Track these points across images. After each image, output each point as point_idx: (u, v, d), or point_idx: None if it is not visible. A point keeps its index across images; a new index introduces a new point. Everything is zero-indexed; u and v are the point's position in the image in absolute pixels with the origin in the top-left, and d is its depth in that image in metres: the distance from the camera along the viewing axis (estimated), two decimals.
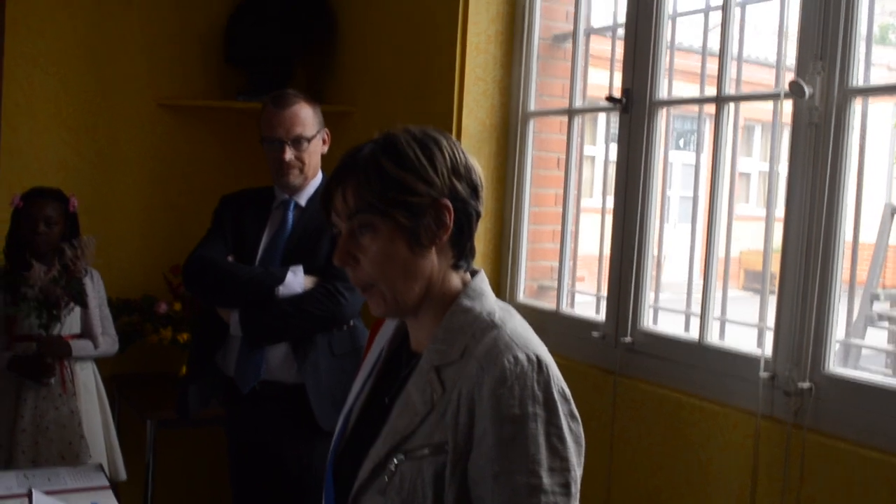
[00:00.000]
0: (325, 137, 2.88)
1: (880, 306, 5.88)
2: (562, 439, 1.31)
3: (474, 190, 1.43)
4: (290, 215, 2.86)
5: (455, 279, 1.44)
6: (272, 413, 2.79)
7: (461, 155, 1.43)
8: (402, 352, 1.52)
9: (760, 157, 11.85)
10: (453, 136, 1.48)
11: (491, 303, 1.43)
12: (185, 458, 4.11)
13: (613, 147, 2.82)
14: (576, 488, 1.32)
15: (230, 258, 2.83)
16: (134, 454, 3.68)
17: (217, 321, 2.83)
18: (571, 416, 1.34)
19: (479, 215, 1.45)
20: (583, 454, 1.35)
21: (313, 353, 2.76)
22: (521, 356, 1.32)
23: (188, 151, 4.17)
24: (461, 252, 1.43)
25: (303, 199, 2.86)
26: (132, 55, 4.04)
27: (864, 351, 2.34)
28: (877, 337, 5.28)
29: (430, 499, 1.32)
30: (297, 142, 2.77)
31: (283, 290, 2.70)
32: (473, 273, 1.47)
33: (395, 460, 1.35)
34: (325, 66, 4.13)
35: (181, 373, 3.89)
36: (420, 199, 1.37)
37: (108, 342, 3.51)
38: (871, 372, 2.49)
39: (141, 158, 4.11)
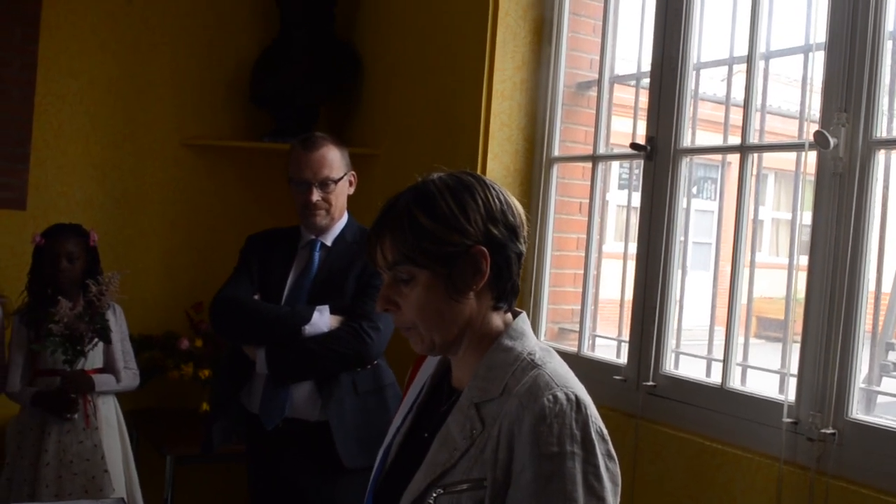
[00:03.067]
0: (352, 179, 2.93)
1: (895, 356, 5.86)
2: (598, 478, 1.33)
3: (513, 231, 1.46)
4: (317, 255, 2.90)
5: (496, 319, 1.47)
6: (295, 450, 2.81)
7: (496, 199, 1.46)
8: (443, 387, 1.55)
9: (773, 206, 11.89)
10: None
11: (532, 343, 1.46)
12: (204, 494, 4.12)
13: (625, 193, 2.85)
14: None
15: (257, 297, 2.87)
16: (152, 489, 3.69)
17: (242, 359, 2.86)
18: (608, 455, 1.36)
19: (520, 255, 1.47)
20: (618, 494, 1.37)
21: (338, 391, 2.78)
22: (561, 395, 1.35)
23: (212, 191, 4.24)
24: (501, 294, 1.47)
25: (329, 240, 2.91)
26: (160, 96, 4.14)
27: (879, 399, 2.35)
28: (891, 386, 5.26)
29: None
30: (325, 183, 2.82)
31: (309, 329, 2.73)
32: (515, 314, 1.50)
33: (434, 494, 1.37)
34: (350, 110, 4.20)
35: (202, 409, 3.92)
36: (454, 248, 1.41)
37: (130, 376, 3.53)
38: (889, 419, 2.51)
39: (165, 197, 4.18)
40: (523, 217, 1.49)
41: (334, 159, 2.85)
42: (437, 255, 1.41)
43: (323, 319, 2.76)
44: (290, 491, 2.83)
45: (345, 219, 2.94)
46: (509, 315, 1.50)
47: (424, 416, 1.54)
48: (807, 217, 2.33)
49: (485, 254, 1.42)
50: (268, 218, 3.37)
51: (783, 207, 11.87)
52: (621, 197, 5.30)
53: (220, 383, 3.00)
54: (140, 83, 4.10)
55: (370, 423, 2.82)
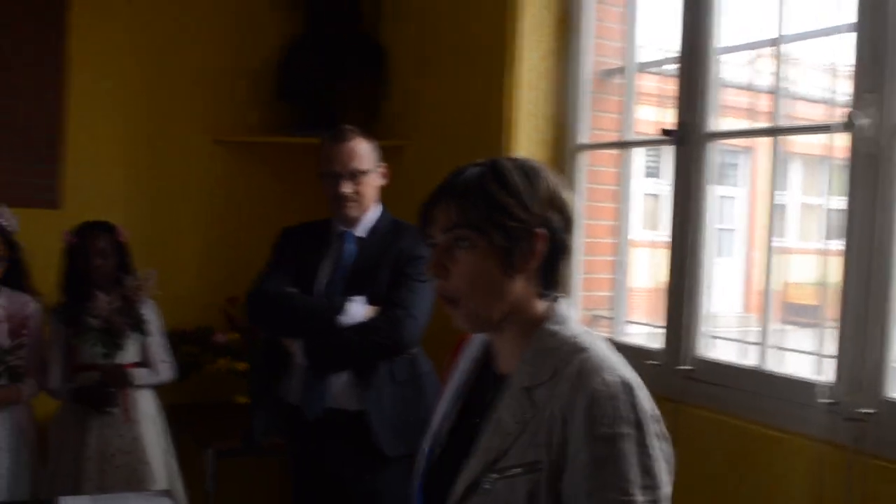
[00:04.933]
0: (384, 171, 2.97)
1: None
2: (653, 458, 1.35)
3: (567, 222, 1.49)
4: (350, 247, 2.93)
5: (541, 305, 1.50)
6: (336, 440, 2.84)
7: (559, 188, 1.49)
8: (488, 372, 1.57)
9: (801, 190, 11.82)
10: None
11: (576, 327, 1.48)
12: (245, 487, 4.16)
13: (651, 182, 2.86)
14: None
15: (292, 290, 2.91)
16: (193, 483, 3.74)
17: (280, 351, 2.90)
18: (661, 436, 1.39)
19: (568, 250, 1.50)
20: (672, 472, 1.40)
21: (376, 381, 2.82)
22: (612, 378, 1.37)
23: (244, 186, 4.29)
24: (549, 282, 1.49)
25: (361, 231, 2.94)
26: (190, 94, 4.19)
27: None
28: None
29: None
30: (354, 175, 2.86)
31: (345, 319, 2.77)
32: (557, 300, 1.53)
33: (489, 479, 1.40)
34: (377, 102, 4.23)
35: (236, 401, 3.96)
36: (519, 224, 1.43)
37: (167, 369, 3.58)
38: None
39: (198, 193, 4.24)
40: (575, 212, 1.51)
41: (363, 151, 2.89)
42: (502, 227, 1.43)
43: (359, 309, 2.80)
44: (333, 481, 2.87)
45: (377, 210, 2.97)
46: (552, 303, 1.52)
47: (472, 402, 1.57)
48: (833, 202, 2.33)
49: (544, 236, 1.45)
50: (300, 212, 3.40)
51: (807, 192, 11.78)
52: (647, 185, 5.29)
53: (259, 377, 3.04)
54: (171, 81, 4.16)
55: (408, 411, 2.85)
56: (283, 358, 2.91)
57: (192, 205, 4.23)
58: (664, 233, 2.85)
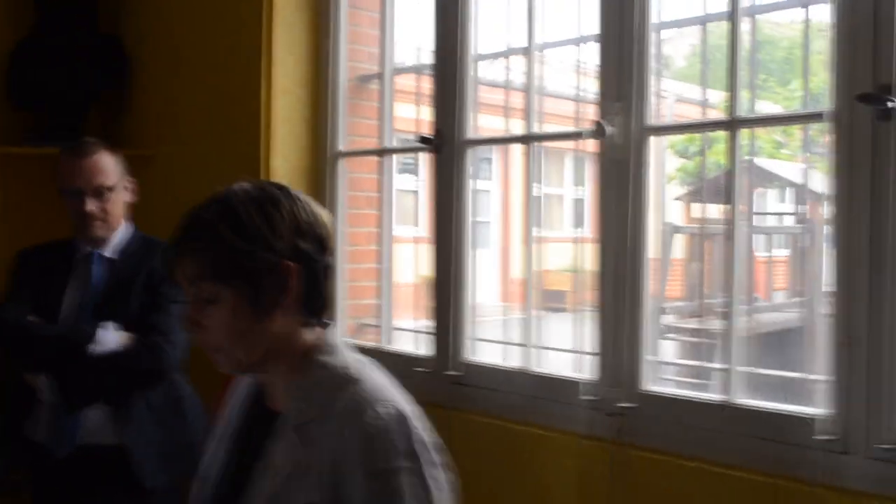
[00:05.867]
0: (129, 186, 2.78)
1: (666, 319, 6.32)
2: (426, 489, 1.34)
3: (320, 244, 1.41)
4: (96, 269, 2.73)
5: (308, 335, 1.43)
6: (90, 478, 2.63)
7: (303, 211, 1.41)
8: (260, 410, 1.49)
9: (548, 182, 12.52)
10: (280, 183, 1.48)
11: (346, 356, 1.43)
12: None
13: (408, 178, 2.89)
14: None
15: (32, 318, 2.66)
16: None
17: (22, 387, 2.65)
18: (432, 464, 1.37)
19: (329, 269, 1.44)
20: (450, 498, 1.38)
21: (134, 411, 2.64)
22: (385, 411, 1.34)
23: None
24: (311, 309, 1.42)
25: (108, 251, 2.74)
26: None
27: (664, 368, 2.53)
28: (666, 349, 5.66)
29: None
30: (99, 192, 2.67)
31: (97, 348, 2.57)
32: (325, 326, 1.47)
33: None
34: (120, 109, 3.96)
35: None
36: (260, 264, 1.36)
37: None
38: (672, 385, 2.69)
39: None
40: (331, 229, 1.45)
41: (108, 166, 2.70)
42: (242, 272, 1.35)
43: (111, 337, 2.60)
44: None
45: (125, 228, 2.78)
46: (320, 329, 1.46)
47: (244, 442, 1.48)
48: (579, 193, 2.44)
49: (292, 269, 1.37)
50: (33, 231, 3.11)
51: (554, 183, 12.48)
52: (403, 181, 5.36)
53: (1, 417, 2.76)
54: None
55: (169, 438, 2.70)
56: (28, 393, 2.65)
57: None
58: (424, 229, 2.87)
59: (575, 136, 2.47)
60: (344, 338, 1.49)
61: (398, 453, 1.32)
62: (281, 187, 1.43)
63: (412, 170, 4.12)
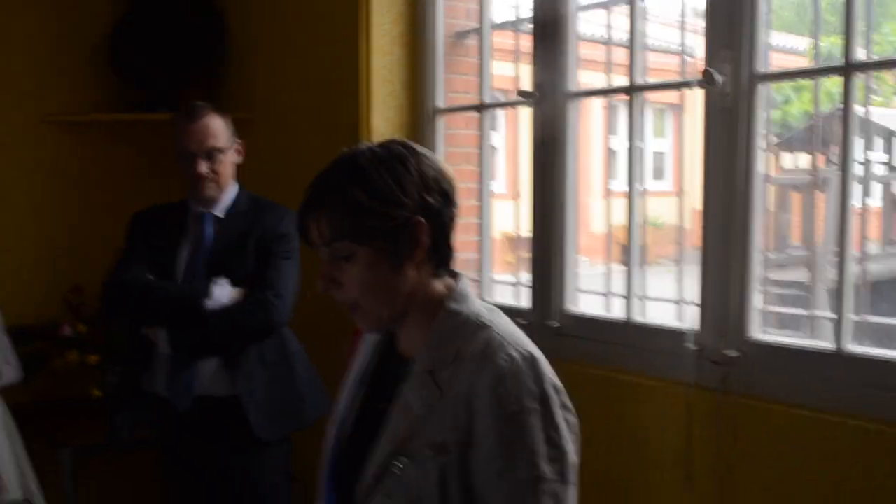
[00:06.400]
0: (240, 148, 2.86)
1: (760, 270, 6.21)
2: (558, 430, 1.37)
3: (446, 196, 1.46)
4: (209, 228, 2.82)
5: (438, 285, 1.48)
6: (208, 429, 2.75)
7: (429, 166, 1.45)
8: (390, 356, 1.54)
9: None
10: (403, 142, 1.49)
11: (476, 304, 1.47)
12: (109, 485, 3.95)
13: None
14: (573, 475, 1.39)
15: (150, 276, 2.77)
16: (50, 486, 3.54)
17: (141, 342, 2.77)
18: (564, 406, 1.41)
19: (453, 219, 1.48)
20: (578, 441, 1.42)
21: (246, 364, 2.74)
22: (515, 354, 1.38)
23: (80, 168, 4.01)
24: (441, 260, 1.47)
25: (220, 211, 2.84)
26: (14, 72, 3.86)
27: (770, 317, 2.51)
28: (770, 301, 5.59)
29: (437, 498, 1.36)
30: (211, 154, 2.75)
31: (210, 303, 2.68)
32: (455, 276, 1.51)
33: (399, 463, 1.38)
34: (220, 74, 4.05)
35: (93, 396, 3.77)
36: (394, 222, 1.40)
37: (10, 371, 3.35)
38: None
39: (30, 179, 3.94)
40: (454, 181, 1.49)
41: (218, 128, 2.78)
42: (377, 231, 1.40)
43: (223, 292, 2.71)
44: (207, 471, 2.78)
45: (234, 188, 2.87)
46: (449, 279, 1.50)
47: (376, 388, 1.54)
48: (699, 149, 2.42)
49: (424, 224, 1.42)
50: (145, 193, 3.23)
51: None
52: (498, 138, 5.37)
53: (120, 370, 2.90)
54: None
55: (280, 393, 2.81)
56: (146, 348, 2.78)
57: (21, 190, 3.93)
58: (504, 184, 2.88)
59: (683, 85, 2.45)
60: (469, 286, 1.53)
61: (528, 395, 1.35)
62: (405, 144, 1.47)
63: (494, 127, 4.12)
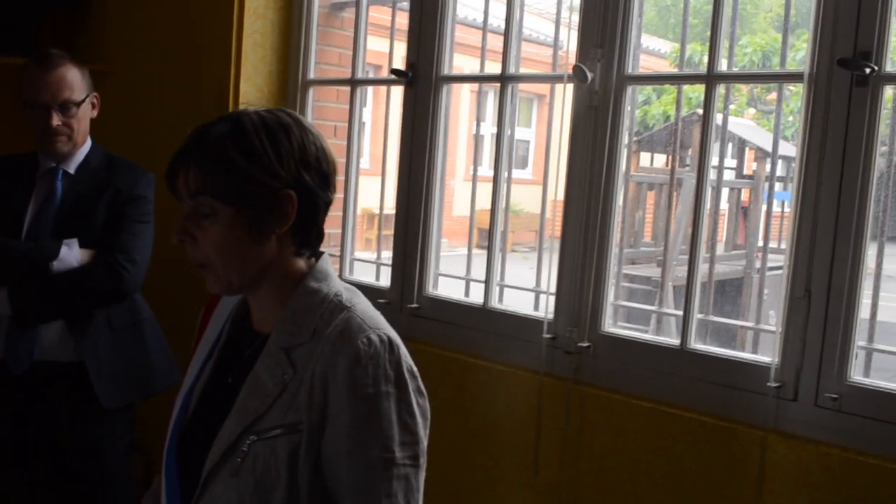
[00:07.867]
0: (95, 101, 2.73)
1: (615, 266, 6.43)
2: (412, 414, 1.38)
3: (324, 178, 1.43)
4: (59, 184, 2.68)
5: (299, 262, 1.46)
6: (47, 395, 2.63)
7: (312, 144, 1.42)
8: (244, 331, 1.51)
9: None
10: (287, 111, 1.46)
11: (337, 284, 1.46)
12: None
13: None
14: (423, 459, 1.40)
15: None
16: None
17: None
18: (419, 392, 1.41)
19: (327, 204, 1.46)
20: (429, 426, 1.43)
21: (92, 329, 2.63)
22: (374, 337, 1.37)
23: None
24: (304, 240, 1.45)
25: (72, 167, 2.70)
26: None
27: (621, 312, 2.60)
28: (621, 296, 5.81)
29: (285, 478, 1.34)
30: (65, 107, 2.61)
31: (57, 265, 2.54)
32: (318, 255, 1.49)
33: (248, 441, 1.36)
34: (77, 20, 3.84)
35: None
36: (263, 189, 1.37)
37: None
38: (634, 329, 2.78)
39: None
40: (336, 165, 1.46)
41: (75, 80, 2.64)
42: (244, 195, 1.36)
43: (72, 254, 2.58)
44: (45, 437, 2.66)
45: (88, 144, 2.74)
46: (313, 259, 1.48)
47: (226, 362, 1.50)
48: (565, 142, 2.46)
49: (293, 198, 1.39)
50: None
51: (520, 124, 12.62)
52: (366, 112, 5.33)
53: None
54: None
55: (128, 359, 2.71)
56: None
57: None
58: (368, 161, 2.87)
59: (554, 79, 2.48)
60: (331, 265, 1.51)
61: (386, 379, 1.35)
62: (294, 117, 1.44)
63: (365, 103, 4.08)
